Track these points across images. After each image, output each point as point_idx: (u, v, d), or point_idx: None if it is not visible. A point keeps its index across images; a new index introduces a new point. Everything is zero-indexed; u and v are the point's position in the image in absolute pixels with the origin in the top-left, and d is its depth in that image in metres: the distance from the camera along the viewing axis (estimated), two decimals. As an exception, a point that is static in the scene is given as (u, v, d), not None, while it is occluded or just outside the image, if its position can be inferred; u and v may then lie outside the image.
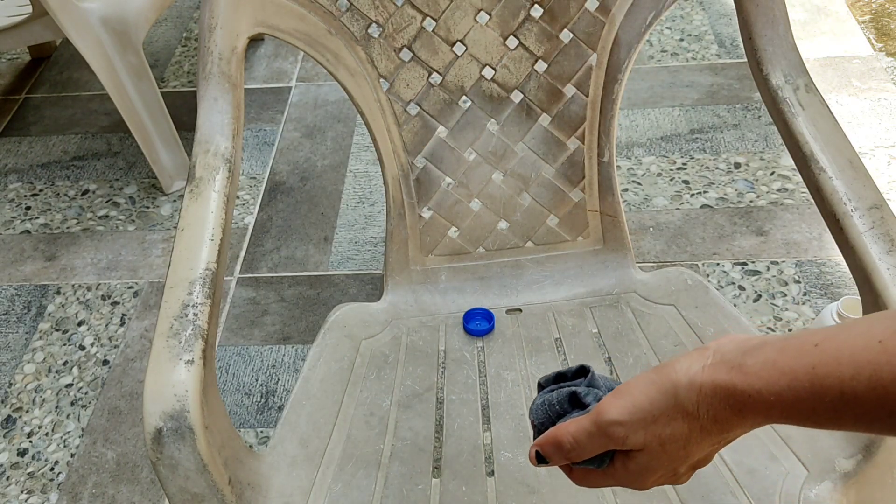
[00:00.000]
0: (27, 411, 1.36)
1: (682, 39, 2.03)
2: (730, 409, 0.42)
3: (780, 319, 1.37)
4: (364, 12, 0.91)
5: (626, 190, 1.64)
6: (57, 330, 1.48)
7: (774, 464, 0.75)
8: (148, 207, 1.72)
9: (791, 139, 0.81)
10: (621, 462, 0.48)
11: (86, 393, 1.37)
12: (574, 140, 0.99)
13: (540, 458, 0.50)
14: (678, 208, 1.59)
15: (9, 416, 1.35)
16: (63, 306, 1.52)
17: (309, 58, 1.09)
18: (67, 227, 1.69)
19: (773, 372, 0.40)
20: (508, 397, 0.87)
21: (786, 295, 1.41)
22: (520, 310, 0.99)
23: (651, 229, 1.55)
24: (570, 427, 0.47)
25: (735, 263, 1.47)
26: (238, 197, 1.72)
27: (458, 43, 0.94)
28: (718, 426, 0.43)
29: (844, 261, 0.74)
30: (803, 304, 1.40)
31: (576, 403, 0.51)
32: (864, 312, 0.72)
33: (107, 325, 1.48)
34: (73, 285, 1.56)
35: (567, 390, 0.50)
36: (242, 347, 1.42)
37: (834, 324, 1.07)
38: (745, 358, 0.42)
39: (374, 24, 0.92)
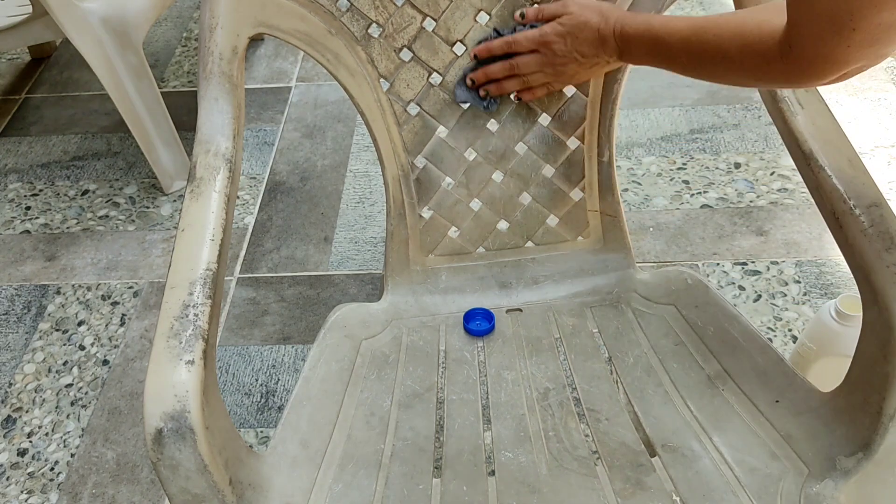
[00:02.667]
0: (27, 411, 1.36)
1: (681, 39, 2.03)
2: (597, 42, 0.83)
3: (780, 319, 1.38)
4: (364, 12, 0.91)
5: (626, 190, 1.64)
6: (57, 330, 1.48)
7: (775, 462, 0.75)
8: (148, 207, 1.72)
9: (790, 138, 0.81)
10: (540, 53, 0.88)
11: (86, 393, 1.37)
12: (574, 140, 0.99)
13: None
14: (678, 208, 1.59)
15: (9, 416, 1.35)
16: (63, 306, 1.52)
17: (309, 58, 1.09)
18: (67, 227, 1.69)
19: (632, 20, 0.76)
20: (509, 397, 0.87)
21: (786, 295, 1.41)
22: (520, 310, 0.99)
23: (651, 229, 1.55)
24: (520, 35, 0.89)
25: (735, 263, 1.47)
26: (238, 197, 1.72)
27: (458, 43, 0.94)
28: (592, 51, 0.84)
29: (844, 259, 0.74)
30: (803, 304, 1.40)
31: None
32: (864, 310, 0.72)
33: (107, 325, 1.48)
34: (73, 285, 1.56)
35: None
36: (242, 347, 1.42)
37: (832, 322, 1.07)
38: (618, 12, 0.81)
39: (374, 25, 0.92)
